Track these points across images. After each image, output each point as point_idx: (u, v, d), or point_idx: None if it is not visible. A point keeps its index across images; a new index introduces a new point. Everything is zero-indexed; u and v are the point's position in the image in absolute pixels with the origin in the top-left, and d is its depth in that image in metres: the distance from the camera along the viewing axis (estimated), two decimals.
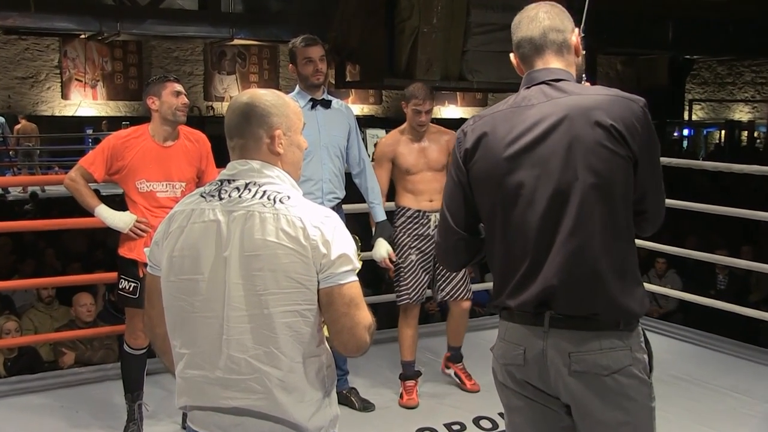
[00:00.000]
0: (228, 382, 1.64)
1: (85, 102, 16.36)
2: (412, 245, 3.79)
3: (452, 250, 2.00)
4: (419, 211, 3.80)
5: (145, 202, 3.24)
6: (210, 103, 17.51)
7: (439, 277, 3.84)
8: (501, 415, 3.66)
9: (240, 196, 1.66)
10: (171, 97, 3.20)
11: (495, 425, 3.60)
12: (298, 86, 3.57)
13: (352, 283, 1.66)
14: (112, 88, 16.58)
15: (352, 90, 16.85)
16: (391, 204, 3.93)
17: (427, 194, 3.80)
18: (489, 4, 9.54)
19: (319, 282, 1.63)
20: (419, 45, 9.41)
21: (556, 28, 1.88)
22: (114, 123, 15.16)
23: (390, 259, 3.71)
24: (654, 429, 1.86)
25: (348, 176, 3.72)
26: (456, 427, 3.56)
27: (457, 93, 17.53)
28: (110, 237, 8.51)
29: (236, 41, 12.61)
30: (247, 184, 1.68)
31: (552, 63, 1.87)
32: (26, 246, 8.11)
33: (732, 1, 12.13)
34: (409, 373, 3.84)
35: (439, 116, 17.71)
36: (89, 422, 3.58)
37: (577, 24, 1.98)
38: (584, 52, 1.98)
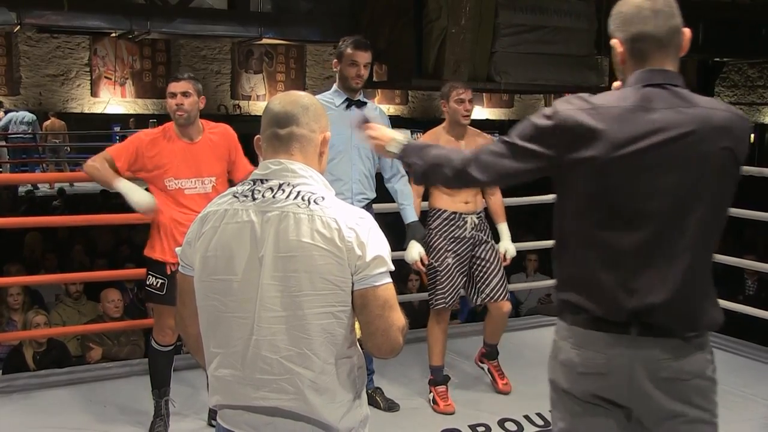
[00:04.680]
0: (260, 382, 1.63)
1: (113, 99, 16.52)
2: (449, 248, 3.73)
3: (469, 182, 1.92)
4: (455, 213, 3.75)
5: (172, 199, 3.24)
6: (237, 102, 17.62)
7: (477, 279, 3.79)
8: (526, 417, 3.67)
9: (274, 197, 1.65)
10: (169, 99, 3.23)
11: (521, 427, 3.59)
12: (336, 84, 3.55)
13: (386, 285, 1.65)
14: (140, 86, 16.74)
15: (379, 90, 16.86)
16: (425, 204, 3.90)
17: (463, 195, 3.74)
18: (517, 6, 9.50)
19: (353, 284, 1.62)
20: (447, 46, 9.39)
21: (679, 28, 1.77)
22: (141, 121, 15.31)
23: (422, 262, 3.66)
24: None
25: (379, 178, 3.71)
26: (481, 429, 3.55)
27: (484, 94, 17.47)
28: (135, 233, 8.63)
29: (264, 41, 12.64)
30: (280, 185, 1.67)
31: (668, 65, 1.76)
32: (55, 242, 8.20)
33: (763, 3, 11.97)
34: (439, 379, 3.81)
35: None
36: (116, 417, 3.62)
37: None
38: None
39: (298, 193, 1.65)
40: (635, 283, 1.73)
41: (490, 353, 3.96)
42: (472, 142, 3.74)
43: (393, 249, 3.64)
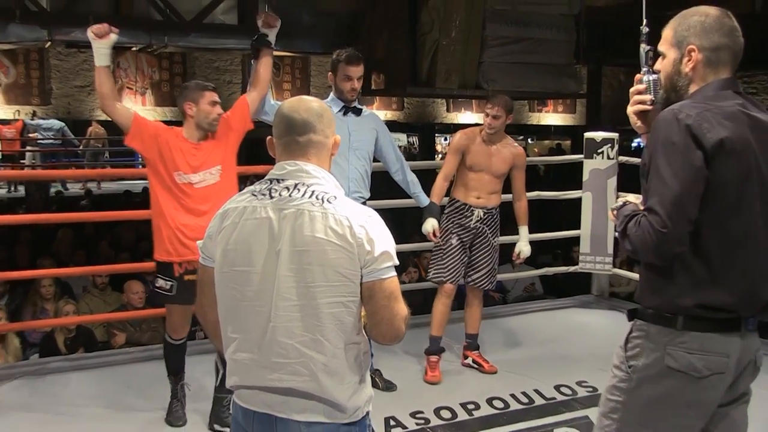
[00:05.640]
0: (276, 365, 1.64)
1: (135, 108, 16.47)
2: (454, 231, 3.82)
3: (682, 240, 1.67)
4: (466, 204, 3.85)
5: (182, 192, 3.13)
6: None
7: (470, 265, 3.86)
8: (512, 395, 3.67)
9: (290, 195, 1.66)
10: (208, 106, 3.10)
11: (507, 405, 3.59)
12: (333, 93, 3.55)
13: (392, 278, 1.66)
14: (159, 95, 16.69)
15: (377, 97, 16.83)
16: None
17: (476, 191, 3.84)
18: (503, 19, 9.49)
19: (362, 276, 1.63)
20: (439, 56, 9.38)
21: (743, 46, 1.80)
22: None
23: (434, 234, 3.73)
24: None
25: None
26: (471, 406, 3.56)
27: (473, 100, 17.46)
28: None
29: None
30: (296, 185, 1.68)
31: (731, 74, 1.80)
32: (83, 238, 8.20)
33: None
34: (433, 349, 3.86)
35: (456, 122, 17.64)
36: (138, 396, 3.63)
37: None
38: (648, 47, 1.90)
39: (313, 192, 1.66)
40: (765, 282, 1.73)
41: (470, 345, 3.98)
42: (503, 150, 3.84)
43: (398, 240, 3.70)
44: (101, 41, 3.04)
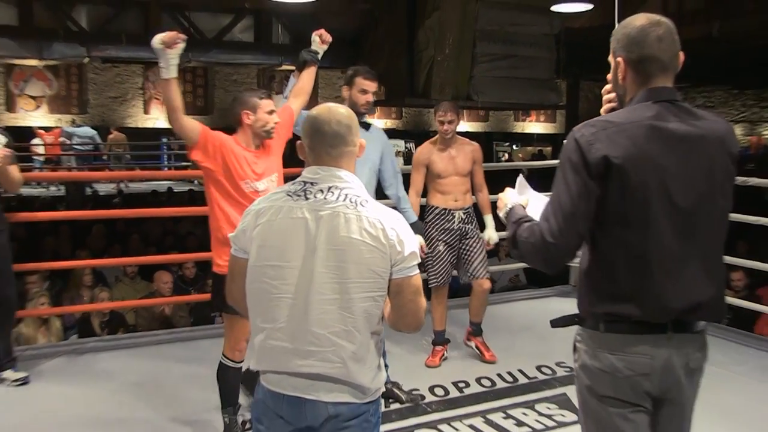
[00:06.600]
0: (308, 353, 1.61)
1: (162, 116, 16.47)
2: (440, 238, 3.76)
3: (571, 252, 1.59)
4: (446, 209, 3.78)
5: (249, 200, 2.57)
6: None
7: (464, 261, 3.82)
8: (498, 375, 3.67)
9: (325, 198, 1.63)
10: (266, 115, 2.73)
11: (494, 383, 3.60)
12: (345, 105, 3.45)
13: (417, 275, 1.65)
14: (183, 105, 16.70)
15: (378, 107, 16.83)
16: (423, 200, 3.90)
17: (453, 195, 3.78)
18: (492, 38, 9.50)
19: (392, 273, 1.62)
20: (434, 71, 9.41)
21: (678, 53, 1.62)
22: None
23: (422, 250, 3.64)
24: None
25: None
26: (461, 384, 3.56)
27: (464, 110, 17.44)
28: (178, 225, 8.63)
29: (284, 67, 12.64)
30: (329, 188, 1.64)
31: (669, 82, 1.62)
32: (115, 232, 8.21)
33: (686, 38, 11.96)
34: (439, 340, 3.88)
35: None
36: (165, 373, 3.65)
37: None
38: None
39: (346, 195, 1.64)
40: (675, 284, 1.57)
41: (475, 331, 3.93)
42: (462, 150, 3.80)
43: None
44: (171, 51, 2.59)
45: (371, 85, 3.32)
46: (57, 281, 5.92)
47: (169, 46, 2.58)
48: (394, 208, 3.52)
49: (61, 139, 13.69)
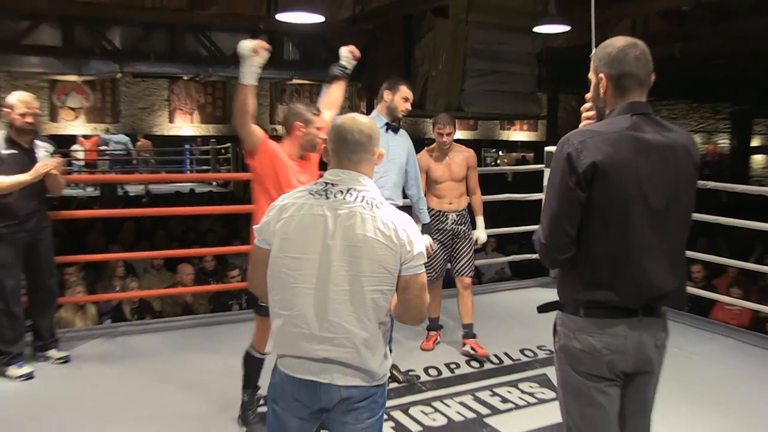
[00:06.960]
0: (323, 339, 1.60)
1: (185, 125, 16.47)
2: (435, 237, 3.71)
3: (561, 250, 1.63)
4: (440, 211, 3.75)
5: None
6: (273, 126, 17.54)
7: (454, 257, 3.80)
8: (486, 358, 3.67)
9: (344, 198, 1.63)
10: (316, 130, 2.63)
11: (482, 365, 3.60)
12: (377, 110, 3.32)
13: (423, 273, 1.65)
14: (204, 115, 16.65)
15: None
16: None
17: (447, 198, 3.76)
18: (480, 56, 9.49)
19: (401, 271, 1.61)
20: (429, 85, 9.40)
21: (652, 71, 1.64)
22: (204, 140, 15.36)
23: (429, 249, 3.59)
24: None
25: None
26: (453, 366, 3.57)
27: (456, 120, 17.40)
28: (199, 222, 8.63)
29: (294, 81, 12.63)
30: (349, 189, 1.64)
31: (644, 97, 1.65)
32: (144, 229, 8.21)
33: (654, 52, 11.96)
34: (433, 326, 3.88)
35: None
36: (188, 353, 3.65)
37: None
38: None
39: (363, 197, 1.63)
40: (647, 274, 1.60)
41: (467, 333, 3.80)
42: (457, 157, 3.78)
43: None
44: (257, 58, 2.47)
45: (411, 95, 3.30)
46: (91, 272, 5.93)
47: (256, 53, 2.46)
48: (410, 208, 3.54)
49: (103, 146, 13.72)
